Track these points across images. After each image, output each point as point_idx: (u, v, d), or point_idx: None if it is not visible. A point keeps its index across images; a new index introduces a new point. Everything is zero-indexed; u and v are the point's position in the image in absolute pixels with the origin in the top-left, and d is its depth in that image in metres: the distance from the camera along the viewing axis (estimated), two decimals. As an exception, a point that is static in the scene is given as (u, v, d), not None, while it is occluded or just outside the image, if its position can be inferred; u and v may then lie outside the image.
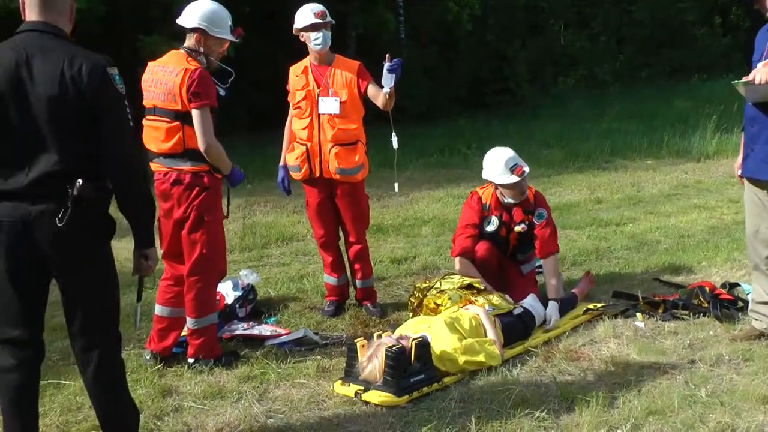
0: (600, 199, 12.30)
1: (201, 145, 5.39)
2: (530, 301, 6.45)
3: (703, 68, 33.82)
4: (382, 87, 6.47)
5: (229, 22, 5.69)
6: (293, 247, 9.71)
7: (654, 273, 7.80)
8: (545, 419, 4.72)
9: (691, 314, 6.41)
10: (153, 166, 5.68)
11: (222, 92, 5.65)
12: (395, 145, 6.81)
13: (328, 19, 6.55)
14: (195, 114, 5.36)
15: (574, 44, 38.83)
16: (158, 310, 5.88)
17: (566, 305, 6.67)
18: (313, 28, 6.49)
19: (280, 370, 5.58)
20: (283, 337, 6.17)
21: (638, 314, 6.47)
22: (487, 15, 30.05)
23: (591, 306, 6.70)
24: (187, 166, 5.49)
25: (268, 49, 20.40)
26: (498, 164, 6.67)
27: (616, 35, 39.95)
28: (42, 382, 5.39)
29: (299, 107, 6.68)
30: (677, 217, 10.55)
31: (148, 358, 5.83)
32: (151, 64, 5.70)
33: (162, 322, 5.83)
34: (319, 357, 5.86)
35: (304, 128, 6.65)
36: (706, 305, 6.49)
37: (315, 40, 6.51)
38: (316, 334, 6.32)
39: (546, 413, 4.79)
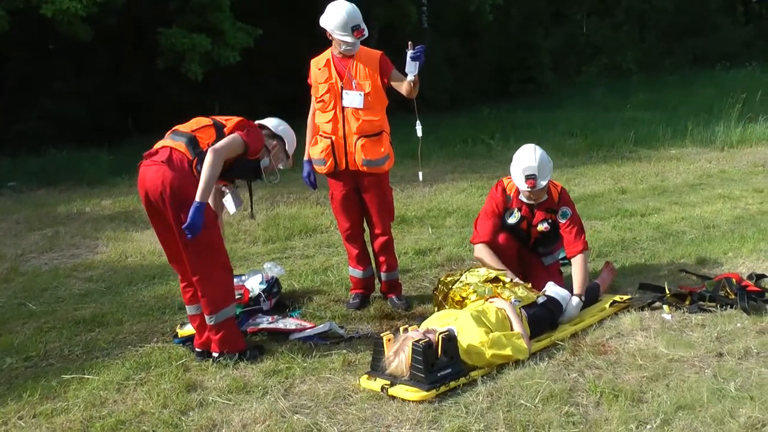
0: (624, 189, 12.22)
1: (215, 145, 5.56)
2: (551, 288, 6.44)
3: (725, 56, 33.55)
4: (405, 75, 6.44)
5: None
6: (317, 238, 9.69)
7: (680, 264, 7.74)
8: (574, 414, 4.69)
9: (718, 306, 6.35)
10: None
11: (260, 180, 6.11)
12: (419, 133, 6.80)
13: (365, 34, 6.45)
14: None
15: (596, 33, 38.57)
16: (187, 309, 5.94)
17: (589, 295, 6.63)
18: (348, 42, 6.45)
19: (305, 364, 5.56)
20: (308, 330, 6.14)
21: (665, 306, 6.42)
22: (510, 4, 29.88)
23: (617, 298, 6.65)
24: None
25: (289, 38, 20.43)
26: (517, 167, 6.66)
27: (639, 23, 39.70)
28: (65, 377, 5.48)
29: (322, 100, 6.63)
30: (702, 208, 10.48)
31: (195, 353, 5.89)
32: None
33: (195, 321, 5.89)
34: (344, 351, 5.84)
35: (328, 121, 6.61)
36: (733, 297, 6.42)
37: (346, 48, 6.48)
38: (342, 327, 6.30)
39: (574, 408, 4.77)
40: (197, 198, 5.33)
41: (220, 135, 5.57)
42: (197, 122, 5.71)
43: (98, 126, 19.95)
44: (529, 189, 6.60)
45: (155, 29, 18.07)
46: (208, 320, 5.69)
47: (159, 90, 20.47)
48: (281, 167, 6.15)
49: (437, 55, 24.09)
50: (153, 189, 5.45)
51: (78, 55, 20.49)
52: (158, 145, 5.63)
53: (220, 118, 5.75)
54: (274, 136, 6.05)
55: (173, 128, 5.73)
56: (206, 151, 5.43)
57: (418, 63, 6.34)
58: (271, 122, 6.12)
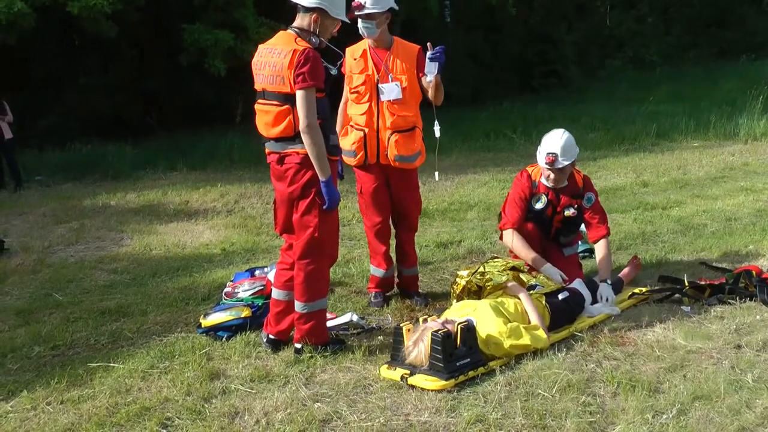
0: (646, 182, 12.23)
1: (301, 124, 5.25)
2: (578, 286, 6.43)
3: (751, 48, 33.38)
4: (425, 75, 6.35)
5: (344, 3, 5.62)
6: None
7: (700, 257, 7.74)
8: (591, 404, 4.72)
9: (737, 299, 6.34)
10: (267, 149, 5.64)
11: (334, 71, 5.55)
12: (437, 134, 6.71)
13: (388, 6, 6.33)
14: (299, 95, 5.24)
15: (620, 26, 38.42)
16: (275, 293, 5.89)
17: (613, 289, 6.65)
18: (366, 16, 6.31)
19: (326, 354, 5.60)
20: (329, 321, 6.18)
21: (684, 298, 6.43)
22: (533, -2, 29.92)
23: (637, 290, 6.67)
24: (299, 148, 5.39)
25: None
26: (542, 146, 6.73)
27: (663, 15, 39.49)
28: (91, 365, 5.55)
29: (357, 92, 6.53)
30: (724, 200, 10.46)
31: (264, 341, 5.86)
32: (260, 47, 5.60)
33: (279, 306, 5.83)
34: (365, 341, 5.90)
35: (363, 114, 6.52)
36: (753, 289, 6.41)
37: (363, 29, 6.37)
38: (362, 318, 6.35)
39: (591, 398, 4.79)
40: (321, 177, 5.34)
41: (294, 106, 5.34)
42: (273, 117, 5.45)
43: (122, 121, 20.16)
44: (548, 166, 6.61)
45: (179, 25, 18.21)
46: (302, 308, 5.62)
47: (182, 85, 20.59)
48: (346, 21, 5.65)
49: (460, 50, 24.09)
50: None
51: (102, 51, 20.68)
52: (275, 153, 5.60)
53: (275, 86, 5.39)
54: (313, 10, 5.45)
55: (269, 136, 5.56)
56: (298, 133, 5.33)
57: (437, 64, 6.25)
58: None
